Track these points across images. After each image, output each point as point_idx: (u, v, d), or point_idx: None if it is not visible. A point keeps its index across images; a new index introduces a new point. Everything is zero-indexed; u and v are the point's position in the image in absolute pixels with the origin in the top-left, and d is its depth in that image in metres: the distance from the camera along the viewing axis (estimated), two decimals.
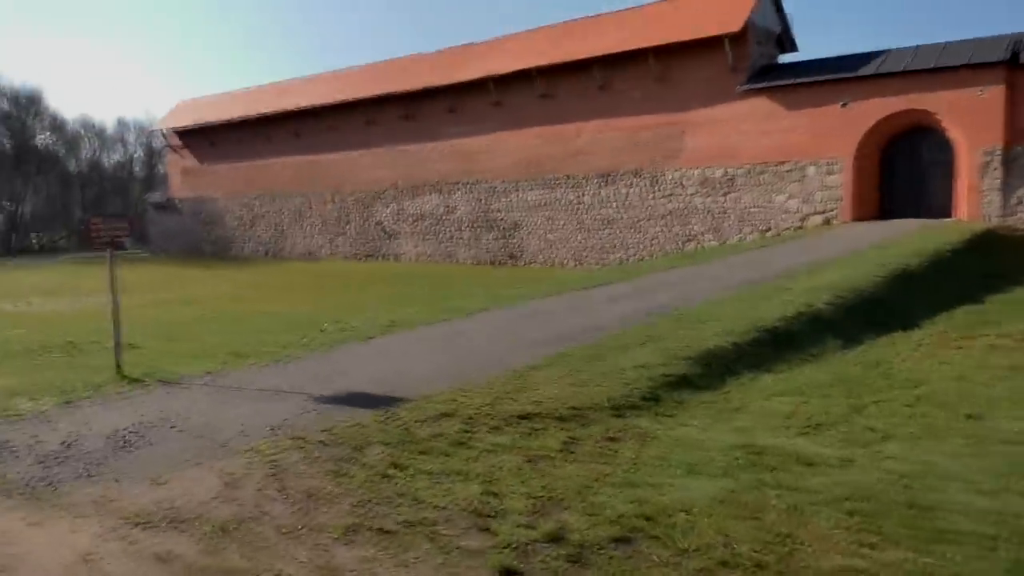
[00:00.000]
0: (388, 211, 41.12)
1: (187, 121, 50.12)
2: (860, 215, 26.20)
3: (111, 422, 6.45)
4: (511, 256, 36.44)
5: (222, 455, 5.53)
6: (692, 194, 30.68)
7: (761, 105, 27.97)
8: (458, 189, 38.25)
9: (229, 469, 5.21)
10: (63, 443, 5.86)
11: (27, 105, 61.94)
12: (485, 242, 37.41)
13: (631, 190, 32.48)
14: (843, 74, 26.19)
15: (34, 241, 66.36)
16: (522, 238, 36.13)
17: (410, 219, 40.24)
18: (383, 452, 5.58)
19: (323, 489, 4.90)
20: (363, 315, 15.62)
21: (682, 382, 7.58)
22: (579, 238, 34.20)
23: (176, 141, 51.82)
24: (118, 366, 8.39)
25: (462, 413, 6.48)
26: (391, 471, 5.23)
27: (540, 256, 35.42)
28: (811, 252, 17.37)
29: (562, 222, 34.74)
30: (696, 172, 30.38)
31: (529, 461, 5.51)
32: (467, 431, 6.08)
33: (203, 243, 50.73)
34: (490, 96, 35.85)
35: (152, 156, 73.31)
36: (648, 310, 11.41)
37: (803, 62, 29.37)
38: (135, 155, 73.16)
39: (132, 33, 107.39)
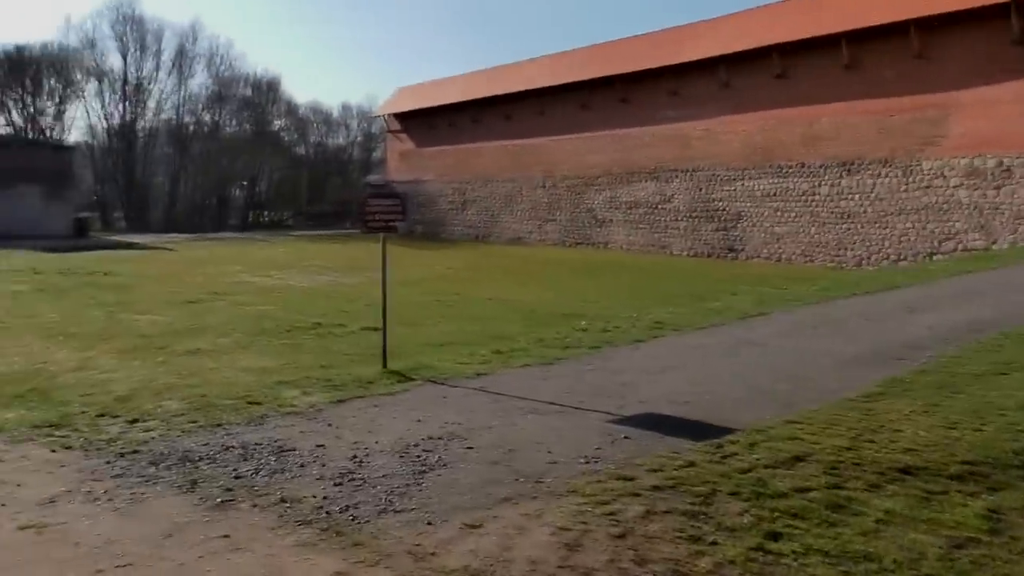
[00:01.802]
0: (600, 198, 39.97)
1: (406, 106, 51.72)
2: None
3: (396, 431, 5.61)
4: (731, 249, 34.07)
5: (538, 493, 4.46)
6: (955, 186, 26.89)
7: None
8: (676, 176, 36.35)
9: (557, 519, 4.11)
10: (353, 457, 5.05)
11: (266, 92, 66.83)
12: (703, 233, 35.27)
13: (878, 180, 29.09)
14: None
15: (266, 218, 71.85)
16: (744, 230, 33.65)
17: (623, 207, 38.86)
18: (741, 510, 4.27)
19: (694, 566, 3.66)
20: (608, 309, 14.48)
21: None
22: (811, 232, 31.23)
23: (395, 125, 53.69)
24: (384, 360, 7.70)
25: (820, 458, 5.03)
26: (767, 543, 3.90)
27: (764, 250, 32.79)
28: None
29: (792, 214, 31.90)
30: (962, 161, 26.57)
31: (956, 547, 3.98)
32: (837, 487, 4.63)
33: (416, 224, 52.23)
34: (716, 77, 33.60)
35: (370, 140, 77.03)
36: (969, 325, 9.32)
37: None
38: (356, 139, 77.15)
39: (360, 21, 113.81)
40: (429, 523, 4.07)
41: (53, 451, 5.34)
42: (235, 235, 51.42)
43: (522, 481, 4.65)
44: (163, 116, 63.09)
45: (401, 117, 52.54)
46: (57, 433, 5.76)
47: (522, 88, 42.49)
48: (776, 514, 4.23)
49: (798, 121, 31.22)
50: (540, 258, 33.89)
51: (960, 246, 26.85)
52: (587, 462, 4.95)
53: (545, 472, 4.79)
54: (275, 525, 4.06)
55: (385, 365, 7.64)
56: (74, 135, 60.88)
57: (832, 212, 30.62)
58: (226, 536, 3.89)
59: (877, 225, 29.23)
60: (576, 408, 6.23)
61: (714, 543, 3.89)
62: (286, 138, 71.89)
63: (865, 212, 29.55)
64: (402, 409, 6.27)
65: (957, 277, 13.70)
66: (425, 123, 50.44)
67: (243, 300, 16.22)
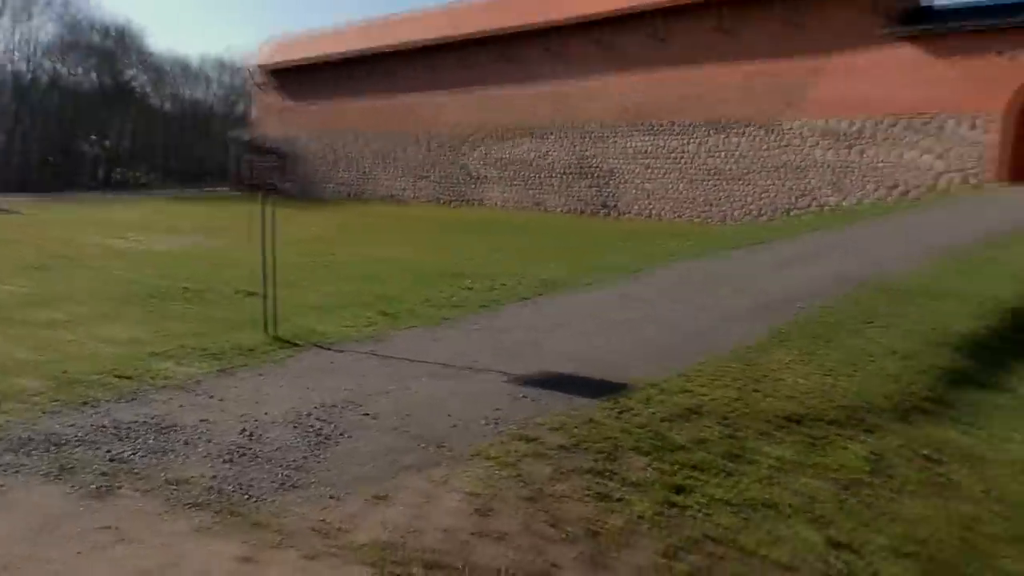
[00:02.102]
0: (475, 155, 39.75)
1: (276, 59, 49.35)
2: (1010, 176, 23.69)
3: (286, 401, 5.34)
4: (604, 206, 34.79)
5: (443, 459, 4.35)
6: (812, 146, 28.44)
7: (904, 52, 25.42)
8: (551, 134, 36.58)
9: (465, 484, 4.02)
10: (243, 431, 4.76)
11: (119, 40, 62.06)
12: (577, 190, 35.80)
13: (743, 140, 30.35)
14: (1004, 21, 23.38)
15: (119, 176, 67.24)
16: (618, 187, 34.40)
17: (498, 164, 38.82)
18: (644, 465, 4.33)
19: (605, 524, 3.67)
20: (491, 268, 14.44)
21: (961, 378, 6.11)
22: (680, 189, 32.32)
23: (263, 79, 51.18)
24: (266, 326, 7.32)
25: (712, 410, 5.18)
26: (673, 497, 3.98)
27: (636, 206, 33.69)
28: (978, 218, 15.42)
29: (663, 172, 32.87)
30: (819, 123, 28.08)
31: (844, 488, 4.19)
32: (731, 437, 4.78)
33: (285, 182, 50.20)
34: (595, 37, 33.84)
35: (233, 94, 73.28)
36: (835, 278, 9.87)
37: (953, 7, 26.61)
38: (217, 93, 73.14)
39: None
40: (332, 497, 3.89)
41: None
42: (87, 195, 47.89)
43: (425, 447, 4.52)
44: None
45: (270, 70, 50.10)
46: None
47: (400, 43, 41.37)
48: (677, 467, 4.32)
49: (673, 81, 31.98)
50: (416, 216, 33.47)
51: (815, 202, 28.52)
52: (488, 424, 4.88)
53: (447, 436, 4.68)
54: (163, 510, 3.76)
55: (267, 331, 7.27)
56: None
57: (700, 170, 31.76)
58: (109, 527, 3.57)
59: (741, 182, 30.57)
60: (471, 369, 6.14)
61: (622, 499, 3.92)
62: (140, 90, 67.18)
63: (730, 169, 30.82)
64: (289, 377, 5.98)
65: (819, 232, 14.51)
66: (296, 77, 48.35)
67: (102, 265, 15.10)
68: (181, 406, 5.28)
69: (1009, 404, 5.75)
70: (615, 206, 34.37)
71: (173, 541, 3.46)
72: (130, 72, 65.51)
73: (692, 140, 31.84)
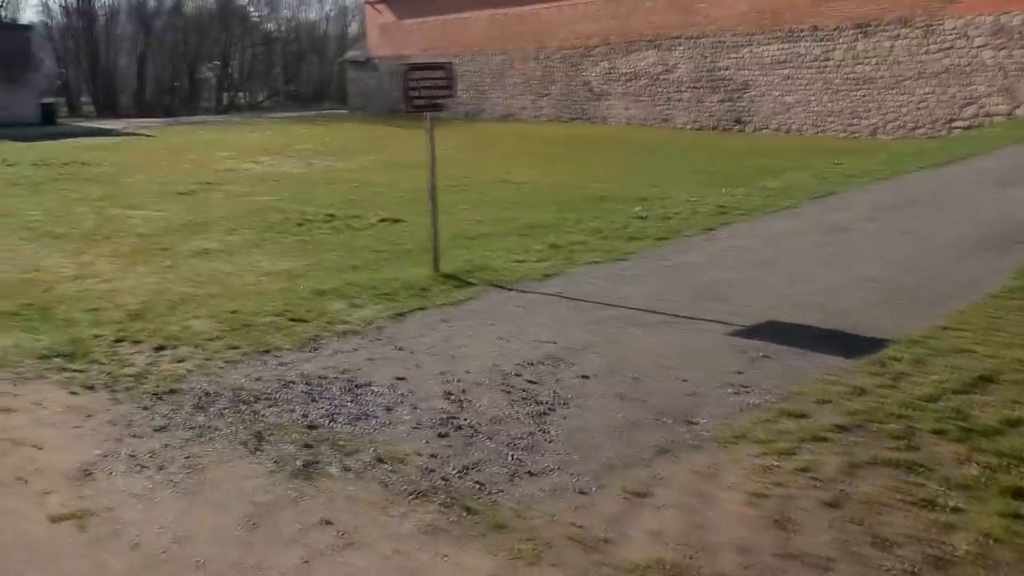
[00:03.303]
0: (597, 70, 37.90)
1: None
2: None
3: (483, 355, 4.66)
4: (737, 121, 32.58)
5: (699, 441, 3.57)
6: (979, 47, 25.37)
7: None
8: (678, 44, 34.32)
9: (742, 480, 3.23)
10: (447, 394, 4.12)
11: None
12: (708, 105, 33.64)
13: (896, 43, 27.43)
14: None
15: (240, 100, 68.66)
16: (752, 100, 32.06)
17: (622, 79, 36.90)
18: (959, 456, 3.40)
19: (949, 548, 2.80)
20: (647, 190, 13.41)
21: None
22: (824, 100, 29.75)
23: None
24: (436, 263, 6.67)
25: (1011, 377, 4.17)
26: (1018, 504, 3.06)
27: (773, 121, 31.35)
28: None
29: (805, 82, 30.29)
30: (987, 19, 24.97)
31: None
32: None
33: (400, 102, 49.83)
34: None
35: (345, 14, 72.97)
36: None
37: None
38: (330, 13, 73.00)
39: None
40: (581, 492, 3.17)
41: (73, 393, 4.37)
42: (211, 118, 49.00)
43: (669, 423, 3.75)
44: None
45: None
46: (72, 367, 4.78)
47: None
48: (1005, 460, 3.38)
49: None
50: (539, 135, 32.32)
51: (982, 111, 25.65)
52: (735, 392, 4.05)
53: (691, 408, 3.89)
54: (383, 500, 3.15)
55: (437, 268, 6.62)
56: (28, 14, 56.88)
57: (846, 78, 29.07)
58: (329, 523, 2.98)
59: (894, 91, 27.81)
60: (681, 317, 5.30)
61: (956, 509, 3.03)
62: (255, 13, 67.75)
63: (882, 77, 28.05)
64: (477, 324, 5.31)
65: (1015, 145, 12.61)
66: None
67: (240, 190, 14.95)
68: (370, 359, 4.69)
69: None
70: (750, 121, 32.14)
71: (405, 547, 2.84)
72: None
73: (837, 46, 29.09)
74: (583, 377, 4.29)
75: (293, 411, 4.01)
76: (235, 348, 4.95)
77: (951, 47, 26.08)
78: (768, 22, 30.85)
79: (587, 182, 15.64)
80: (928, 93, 26.91)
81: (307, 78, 71.78)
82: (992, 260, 6.44)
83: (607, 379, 4.26)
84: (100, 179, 16.47)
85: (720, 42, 32.77)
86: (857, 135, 28.75)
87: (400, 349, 4.83)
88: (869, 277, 6.02)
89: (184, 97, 60.98)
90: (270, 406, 4.08)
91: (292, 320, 5.50)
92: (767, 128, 31.58)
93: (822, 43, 29.50)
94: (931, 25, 26.39)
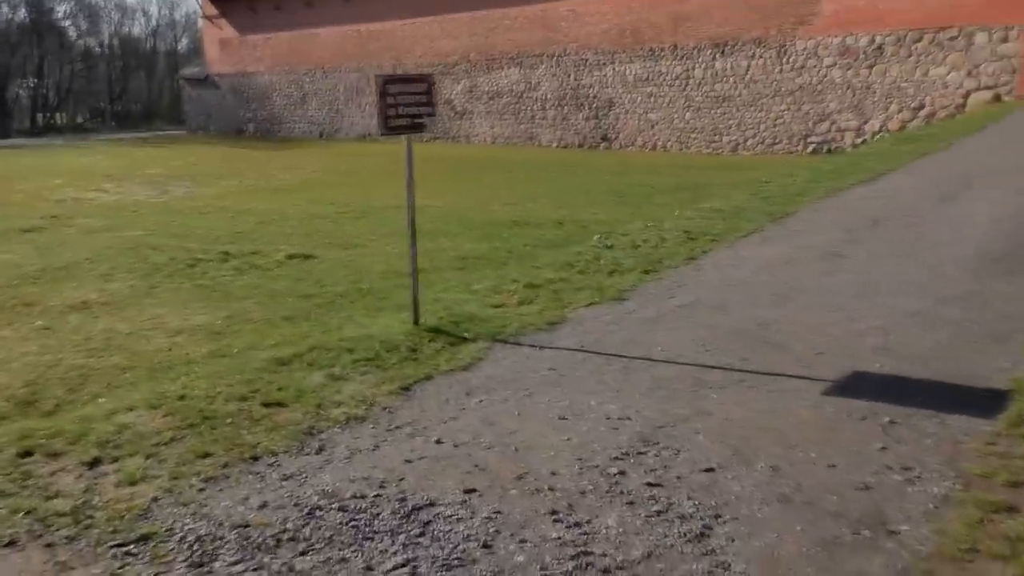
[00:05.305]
0: (459, 88, 37.19)
1: None
2: None
3: (556, 448, 3.60)
4: (604, 138, 32.84)
5: (924, 561, 2.72)
6: (829, 66, 26.81)
7: None
8: (541, 63, 34.25)
9: None
10: (551, 512, 3.03)
11: None
12: (574, 122, 33.73)
13: (753, 62, 28.54)
14: None
15: (59, 121, 62.64)
16: (617, 117, 32.43)
17: (484, 97, 36.40)
18: None
19: None
20: (555, 212, 12.68)
21: None
22: (686, 117, 30.51)
23: (211, 10, 47.26)
24: (415, 313, 5.49)
25: None
26: None
27: (639, 138, 31.82)
28: None
29: (667, 100, 30.94)
30: (835, 40, 26.43)
31: None
32: None
33: (246, 122, 47.10)
34: None
35: (176, 28, 68.62)
36: (1016, 215, 8.39)
37: None
38: (157, 28, 68.32)
39: None
40: None
41: None
42: (28, 141, 44.21)
43: (867, 535, 2.86)
44: None
45: (219, 0, 46.24)
46: None
47: None
48: None
49: (667, 0, 29.90)
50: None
51: (834, 127, 27.11)
52: (908, 480, 3.24)
53: (877, 511, 3.02)
54: None
55: (416, 320, 5.45)
56: None
57: (707, 96, 29.96)
58: None
59: (752, 108, 28.91)
60: (751, 373, 4.47)
61: None
62: (74, 28, 62.15)
63: (740, 95, 29.10)
64: (513, 397, 4.23)
65: (925, 158, 12.87)
66: (248, 6, 44.66)
67: (96, 224, 12.89)
68: (407, 461, 3.51)
69: None
70: (616, 138, 32.50)
71: None
72: (61, 8, 60.40)
73: (697, 65, 29.94)
74: (707, 471, 3.34)
75: (345, 559, 2.80)
76: (207, 456, 3.61)
77: (803, 66, 27.41)
78: (630, 40, 31.34)
79: (485, 205, 14.79)
80: (784, 110, 28.13)
81: (135, 97, 66.73)
82: (1017, 280, 6.10)
83: (738, 471, 3.33)
84: None
85: (583, 60, 32.98)
86: (720, 151, 29.66)
87: (439, 443, 3.68)
88: (910, 310, 5.46)
89: None
90: (304, 552, 2.85)
91: (265, 405, 4.19)
92: (633, 145, 32.01)
93: (682, 62, 30.26)
94: (784, 46, 27.64)
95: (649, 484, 3.22)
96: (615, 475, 3.30)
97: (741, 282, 6.37)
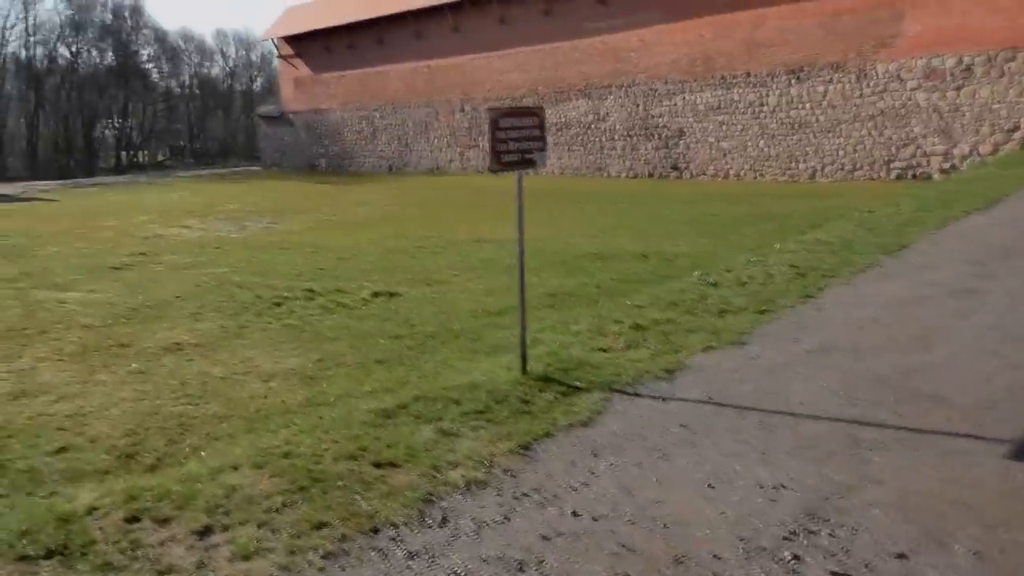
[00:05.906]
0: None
1: (299, 27, 46.78)
2: None
3: (711, 525, 3.19)
4: (674, 168, 32.31)
5: None
6: (913, 89, 25.83)
7: None
8: (610, 93, 34.02)
9: None
10: None
11: (129, 18, 59.63)
12: (643, 152, 33.32)
13: (830, 87, 27.74)
14: None
15: (141, 159, 65.21)
16: (688, 147, 31.89)
17: (552, 128, 36.27)
18: None
19: None
20: (638, 244, 12.29)
21: None
22: (760, 145, 29.77)
23: (287, 50, 48.68)
24: (523, 361, 5.15)
25: None
26: None
27: (711, 167, 31.18)
28: None
29: (739, 127, 30.29)
30: (919, 62, 25.46)
31: None
32: None
33: (318, 158, 48.12)
34: None
35: (251, 69, 70.95)
36: None
37: None
38: (235, 68, 70.75)
39: None
40: None
41: None
42: (113, 179, 45.96)
43: None
44: (8, 49, 55.20)
45: (293, 40, 47.62)
46: None
47: (431, 2, 38.72)
48: None
49: (740, 27, 29.37)
50: (475, 187, 31.12)
51: (920, 151, 26.04)
52: None
53: None
54: None
55: (525, 368, 5.11)
56: None
57: (782, 123, 29.21)
58: None
59: (831, 134, 28.05)
60: (911, 431, 3.99)
61: None
62: (156, 70, 64.81)
63: (817, 121, 28.28)
64: (647, 460, 3.83)
65: None
66: (322, 45, 45.84)
67: (183, 262, 13.02)
68: (544, 537, 3.14)
69: None
70: (687, 167, 31.94)
71: None
72: (144, 52, 63.12)
73: (771, 91, 29.25)
74: (898, 556, 2.88)
75: None
76: (322, 526, 3.31)
77: (884, 90, 26.49)
78: (701, 69, 30.87)
79: (566, 238, 14.46)
80: (864, 136, 27.18)
81: (212, 134, 69.10)
82: None
83: (935, 558, 2.86)
84: (9, 253, 14.20)
85: (652, 90, 32.62)
86: (796, 178, 28.81)
87: (576, 515, 3.31)
88: None
89: (81, 157, 57.22)
90: None
91: (376, 465, 3.89)
92: (704, 174, 31.38)
93: (756, 89, 29.62)
94: (864, 69, 26.79)
95: (834, 574, 2.78)
96: (790, 561, 2.87)
97: (870, 323, 5.86)
